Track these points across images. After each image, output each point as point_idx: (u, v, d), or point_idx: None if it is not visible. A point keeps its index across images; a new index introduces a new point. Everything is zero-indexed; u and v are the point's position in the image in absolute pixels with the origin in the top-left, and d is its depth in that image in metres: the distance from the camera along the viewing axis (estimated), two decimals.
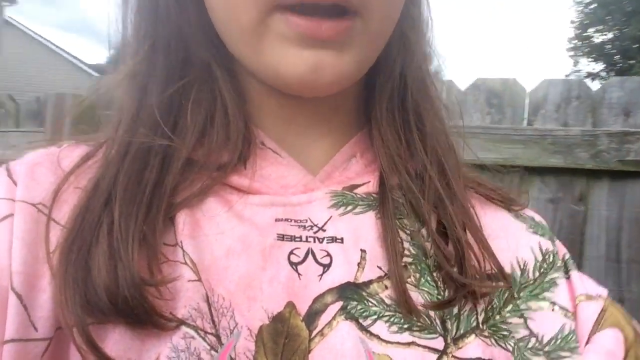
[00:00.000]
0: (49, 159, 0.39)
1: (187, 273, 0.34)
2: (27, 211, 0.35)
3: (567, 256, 0.44)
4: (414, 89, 0.43)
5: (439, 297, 0.37)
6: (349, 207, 0.39)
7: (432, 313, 0.36)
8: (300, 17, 0.34)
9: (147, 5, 0.40)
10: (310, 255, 0.36)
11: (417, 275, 0.37)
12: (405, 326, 0.35)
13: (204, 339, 0.33)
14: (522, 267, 0.41)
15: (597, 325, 0.39)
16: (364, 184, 0.41)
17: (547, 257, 0.42)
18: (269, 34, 0.35)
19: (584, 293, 0.41)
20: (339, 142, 0.42)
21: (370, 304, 0.35)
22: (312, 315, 0.34)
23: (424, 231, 0.39)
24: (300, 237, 0.37)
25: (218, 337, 0.33)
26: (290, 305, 0.34)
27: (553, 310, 0.40)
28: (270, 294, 0.34)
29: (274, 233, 0.37)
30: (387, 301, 0.36)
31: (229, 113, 0.39)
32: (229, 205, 0.37)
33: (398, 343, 0.34)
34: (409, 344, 0.35)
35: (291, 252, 0.36)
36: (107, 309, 0.31)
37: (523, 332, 0.38)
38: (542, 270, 0.41)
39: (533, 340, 0.38)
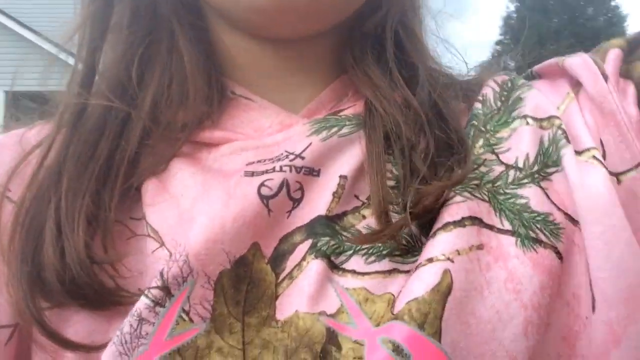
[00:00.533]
0: (13, 140, 0.37)
1: (150, 244, 0.32)
2: None
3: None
4: (399, 30, 0.39)
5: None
6: (334, 130, 0.35)
7: (415, 230, 0.32)
8: None
9: None
10: (284, 188, 0.32)
11: (401, 199, 0.33)
12: (385, 252, 0.31)
13: (146, 296, 0.29)
14: (482, 99, 0.38)
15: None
16: (350, 106, 0.37)
17: (504, 85, 0.39)
18: None
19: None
20: (323, 81, 0.39)
21: (344, 238, 0.32)
22: (278, 257, 0.31)
23: (410, 155, 0.34)
24: (274, 168, 0.33)
25: (166, 288, 0.29)
26: (255, 246, 0.31)
27: (527, 124, 0.35)
28: (233, 235, 0.30)
29: (241, 172, 0.33)
30: (365, 232, 0.32)
31: (186, 70, 0.36)
32: (196, 161, 0.35)
33: (377, 272, 0.31)
34: (389, 271, 0.31)
35: (262, 185, 0.32)
36: (57, 291, 0.30)
37: (498, 169, 0.34)
38: (502, 98, 0.38)
39: (512, 173, 0.33)
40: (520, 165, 0.34)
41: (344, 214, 0.33)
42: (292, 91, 0.39)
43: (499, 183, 0.33)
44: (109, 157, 0.34)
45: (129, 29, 0.37)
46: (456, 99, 0.39)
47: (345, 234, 0.32)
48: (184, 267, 0.30)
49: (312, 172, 0.33)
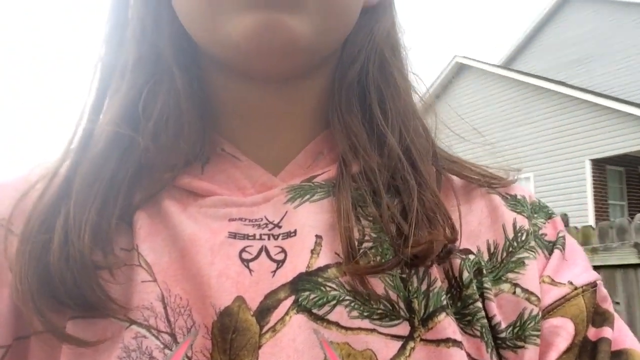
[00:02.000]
0: (22, 176, 0.40)
1: (141, 274, 0.35)
2: None
3: (561, 235, 0.43)
4: (376, 75, 0.43)
5: (402, 276, 0.36)
6: (306, 197, 0.39)
7: (394, 296, 0.35)
8: None
9: (121, 3, 0.41)
10: (263, 253, 0.36)
11: (379, 258, 0.36)
12: (366, 313, 0.34)
13: (157, 337, 0.33)
14: (492, 250, 0.40)
15: (547, 313, 0.38)
16: (324, 172, 0.41)
17: (519, 235, 0.41)
18: (225, 5, 0.35)
19: (550, 275, 0.40)
20: (305, 138, 0.42)
21: (328, 289, 0.35)
22: (264, 311, 0.34)
23: (388, 214, 0.37)
24: (254, 236, 0.37)
25: (173, 335, 0.33)
26: (239, 299, 0.34)
27: (514, 293, 0.38)
28: (218, 289, 0.34)
29: (225, 232, 0.37)
30: (347, 287, 0.35)
31: (184, 115, 0.39)
32: (184, 207, 0.38)
33: (359, 329, 0.34)
34: (371, 330, 0.34)
35: (243, 250, 0.36)
36: (60, 293, 0.33)
37: (483, 315, 0.37)
38: (510, 249, 0.40)
39: (494, 323, 0.37)
40: (498, 324, 0.37)
41: (327, 267, 0.35)
42: (277, 148, 0.42)
43: (485, 329, 0.36)
44: (112, 178, 0.37)
45: (132, 73, 0.39)
46: (433, 159, 0.43)
47: (329, 284, 0.35)
48: (188, 320, 0.34)
49: (290, 234, 0.37)
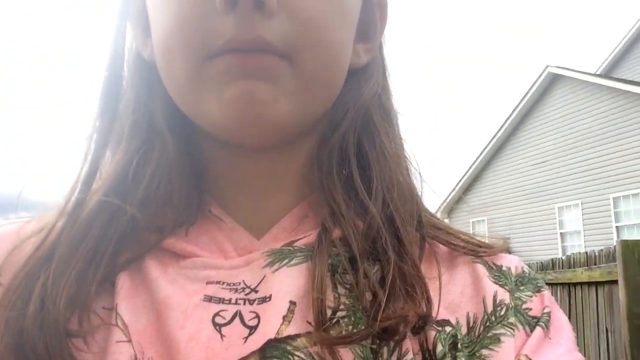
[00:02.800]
0: (11, 231, 0.41)
1: (117, 334, 0.35)
2: None
3: (547, 310, 0.41)
4: (361, 139, 0.43)
5: (373, 346, 0.35)
6: (284, 261, 0.39)
7: None
8: (231, 54, 0.36)
9: (115, 74, 0.43)
10: (237, 318, 0.36)
11: (351, 327, 0.36)
12: None
13: None
14: (470, 324, 0.39)
15: None
16: (305, 237, 0.40)
17: (498, 309, 0.40)
18: (205, 81, 0.37)
19: (527, 355, 0.38)
20: (291, 201, 0.43)
21: (296, 358, 0.34)
22: None
23: (364, 283, 0.37)
24: (230, 300, 0.37)
25: None
26: None
27: None
28: (186, 354, 0.34)
29: (201, 294, 0.37)
30: (316, 357, 0.34)
31: (172, 180, 0.41)
32: (165, 269, 0.39)
33: None
34: None
35: (217, 314, 0.36)
36: (32, 357, 0.33)
37: None
38: (487, 324, 0.39)
39: None
40: None
41: (298, 335, 0.35)
42: (263, 211, 0.42)
43: None
44: (97, 243, 0.38)
45: (126, 141, 0.41)
46: (417, 226, 0.42)
47: (298, 354, 0.34)
48: None
49: (265, 299, 0.37)
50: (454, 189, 14.12)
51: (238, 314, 0.36)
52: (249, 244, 0.41)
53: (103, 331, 0.36)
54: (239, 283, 0.38)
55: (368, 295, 0.36)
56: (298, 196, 0.43)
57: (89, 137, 0.42)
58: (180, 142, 0.42)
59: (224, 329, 0.35)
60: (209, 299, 0.37)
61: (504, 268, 0.43)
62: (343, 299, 0.37)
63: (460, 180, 14.00)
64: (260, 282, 0.38)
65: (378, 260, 0.39)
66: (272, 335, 0.35)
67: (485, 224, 13.37)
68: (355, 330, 0.35)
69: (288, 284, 0.37)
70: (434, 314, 0.37)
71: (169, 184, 0.41)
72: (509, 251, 0.46)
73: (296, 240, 0.40)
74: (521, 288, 0.42)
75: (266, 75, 0.36)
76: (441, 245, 0.43)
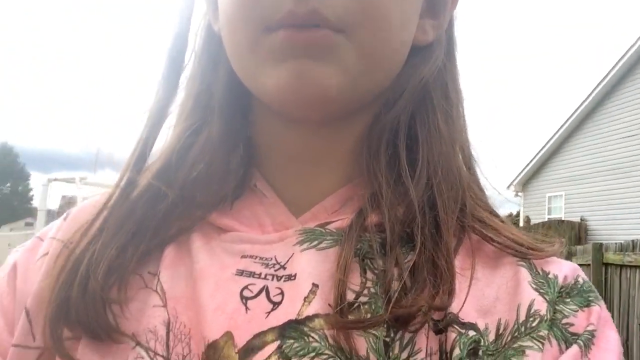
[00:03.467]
0: (93, 202, 0.45)
1: (154, 299, 0.39)
2: (56, 247, 0.43)
3: (591, 328, 0.37)
4: (414, 119, 0.42)
5: (386, 339, 0.35)
6: (314, 243, 0.39)
7: (374, 358, 0.34)
8: (284, 29, 0.36)
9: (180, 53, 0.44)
10: (263, 292, 0.38)
11: (369, 315, 0.35)
12: None
13: (152, 359, 0.37)
14: (500, 331, 0.37)
15: None
16: (339, 220, 0.40)
17: (530, 319, 0.37)
18: (261, 54, 0.38)
19: None
20: (339, 182, 0.43)
21: (310, 340, 0.35)
22: (248, 351, 0.35)
23: (393, 271, 0.36)
24: (260, 274, 0.39)
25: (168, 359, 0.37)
26: (228, 335, 0.36)
27: None
28: (212, 322, 0.37)
29: (234, 268, 0.39)
30: (330, 340, 0.35)
31: (220, 157, 0.43)
32: (207, 241, 0.41)
33: None
34: None
35: (245, 287, 0.38)
36: (74, 320, 0.37)
37: None
38: (516, 334, 0.36)
39: None
40: None
41: (316, 316, 0.36)
42: (309, 189, 0.43)
43: None
44: (141, 220, 0.41)
45: (187, 115, 0.44)
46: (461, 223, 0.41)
47: (313, 335, 0.35)
48: (185, 348, 0.36)
49: (290, 277, 0.38)
50: (529, 162, 13.55)
51: (265, 289, 0.38)
52: (286, 220, 0.42)
53: (143, 295, 0.39)
54: (271, 258, 0.39)
55: (395, 284, 0.36)
56: (346, 177, 0.43)
57: (150, 110, 0.44)
58: (235, 117, 0.44)
59: (249, 302, 0.37)
60: (241, 272, 0.39)
61: (550, 275, 0.40)
62: (369, 284, 0.37)
63: (536, 155, 13.39)
64: (289, 260, 0.39)
65: (413, 247, 0.38)
66: (293, 316, 0.36)
67: (562, 199, 12.78)
68: (369, 316, 0.35)
69: (313, 266, 0.38)
70: (458, 312, 0.36)
71: (215, 161, 0.43)
72: (572, 256, 0.43)
73: (330, 223, 0.40)
74: (566, 300, 0.38)
75: (319, 52, 0.36)
76: (477, 238, 0.41)
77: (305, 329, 0.35)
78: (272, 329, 0.36)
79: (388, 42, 0.39)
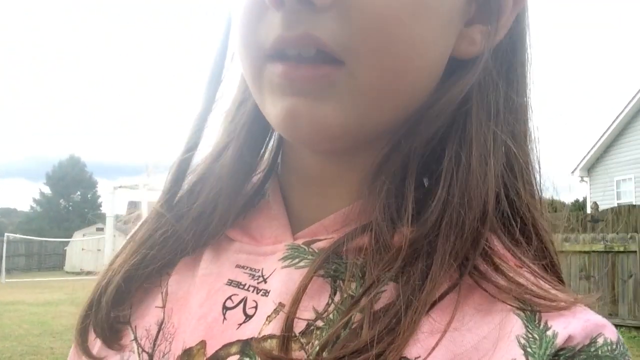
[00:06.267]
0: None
1: (158, 300, 0.43)
2: None
3: None
4: (439, 149, 0.38)
5: None
6: (295, 260, 0.39)
7: None
8: (282, 62, 0.35)
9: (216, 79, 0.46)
10: (242, 304, 0.39)
11: (316, 342, 0.34)
12: None
13: (139, 355, 0.41)
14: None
15: None
16: (326, 239, 0.39)
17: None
18: (264, 84, 0.37)
19: None
20: (347, 204, 0.40)
21: None
22: (213, 359, 0.37)
23: (363, 301, 0.34)
24: (245, 285, 0.40)
25: (151, 356, 0.40)
26: (202, 343, 0.38)
27: None
28: (193, 330, 0.39)
29: (226, 278, 0.41)
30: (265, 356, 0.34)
31: (227, 180, 0.43)
32: (216, 250, 0.43)
33: None
34: None
35: (229, 298, 0.40)
36: (93, 328, 0.43)
37: None
38: None
39: None
40: None
41: (271, 336, 0.36)
42: (315, 209, 0.41)
43: None
44: (151, 247, 0.44)
45: (220, 135, 0.45)
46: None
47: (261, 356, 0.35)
48: (167, 346, 0.40)
49: (266, 292, 0.38)
50: (593, 145, 12.92)
51: (244, 300, 0.39)
52: (281, 234, 0.41)
53: (155, 294, 0.43)
54: (259, 270, 0.40)
55: (357, 316, 0.33)
56: (355, 199, 0.39)
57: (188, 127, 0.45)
58: (257, 138, 0.45)
59: (228, 312, 0.39)
60: (230, 282, 0.40)
61: (548, 332, 0.32)
62: (332, 308, 0.35)
63: (601, 137, 12.75)
64: (271, 274, 0.39)
65: (394, 278, 0.35)
66: (255, 333, 0.36)
67: (632, 183, 12.12)
68: (317, 347, 0.33)
69: (285, 284, 0.37)
70: None
71: (231, 182, 0.43)
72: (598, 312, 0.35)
73: (316, 241, 0.39)
74: None
75: (317, 90, 0.34)
76: (472, 282, 0.35)
77: (258, 348, 0.35)
78: (237, 342, 0.37)
79: (396, 73, 0.35)
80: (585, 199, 13.05)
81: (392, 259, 0.35)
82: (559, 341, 0.32)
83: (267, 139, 0.46)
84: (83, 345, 0.43)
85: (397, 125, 0.38)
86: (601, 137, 12.71)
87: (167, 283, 0.43)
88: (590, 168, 13.21)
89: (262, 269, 0.40)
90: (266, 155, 0.47)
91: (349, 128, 0.36)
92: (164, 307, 0.42)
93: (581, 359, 0.31)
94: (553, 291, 0.34)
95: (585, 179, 13.35)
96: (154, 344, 0.41)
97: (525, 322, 0.33)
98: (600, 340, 0.32)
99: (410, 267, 0.34)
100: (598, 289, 6.15)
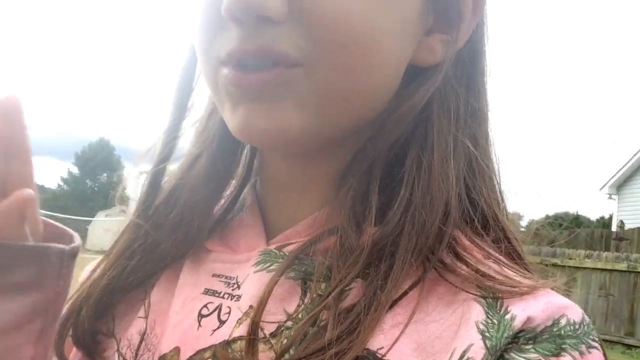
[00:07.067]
0: None
1: (141, 311, 0.44)
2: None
3: None
4: (401, 151, 0.39)
5: None
6: (267, 265, 0.39)
7: None
8: (229, 67, 0.35)
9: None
10: (216, 311, 0.39)
11: (284, 341, 0.35)
12: None
13: None
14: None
15: None
16: (296, 242, 0.40)
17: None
18: (220, 92, 0.38)
19: None
20: (317, 209, 0.41)
21: None
22: None
23: (331, 299, 0.34)
24: (220, 293, 0.40)
25: None
26: (176, 350, 0.39)
27: None
28: (168, 337, 0.40)
29: (203, 287, 0.41)
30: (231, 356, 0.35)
31: (216, 185, 0.45)
32: (197, 259, 0.44)
33: None
34: None
35: (204, 306, 0.40)
36: (74, 340, 0.43)
37: None
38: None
39: None
40: None
41: (240, 338, 0.36)
42: (288, 214, 0.42)
43: None
44: (146, 245, 0.44)
45: (193, 144, 0.46)
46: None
47: (232, 357, 0.36)
48: (149, 357, 0.40)
49: (239, 297, 0.39)
50: (626, 163, 12.62)
51: (219, 307, 0.39)
52: (255, 242, 0.42)
53: (139, 305, 0.44)
54: (233, 278, 0.40)
55: (324, 314, 0.34)
56: (325, 203, 0.40)
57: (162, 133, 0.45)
58: (228, 147, 0.45)
59: (203, 320, 0.39)
60: (207, 291, 0.41)
61: (507, 316, 0.33)
62: (301, 309, 0.36)
63: (634, 155, 12.44)
64: (244, 280, 0.39)
65: (359, 277, 0.35)
66: (226, 337, 0.37)
67: None
68: (287, 346, 0.34)
69: (257, 288, 0.38)
70: (386, 351, 0.33)
71: (205, 191, 0.44)
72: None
73: (286, 245, 0.40)
74: (525, 347, 0.31)
75: (272, 94, 0.35)
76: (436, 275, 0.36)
77: (229, 350, 0.36)
78: (211, 347, 0.37)
79: (355, 78, 0.36)
80: (611, 217, 12.76)
81: (356, 258, 0.35)
82: (517, 323, 0.32)
83: (241, 147, 0.47)
84: (61, 357, 0.43)
85: (359, 130, 0.39)
86: (634, 156, 12.42)
87: (150, 294, 0.44)
88: (620, 186, 12.92)
89: (237, 276, 0.40)
90: (241, 164, 0.47)
91: (308, 129, 0.36)
92: (146, 317, 0.43)
93: (543, 339, 0.32)
94: (517, 278, 0.35)
95: (613, 196, 13.06)
96: (136, 354, 0.41)
97: (486, 308, 0.34)
98: (563, 321, 0.32)
99: (375, 266, 0.35)
100: (617, 308, 6.07)
